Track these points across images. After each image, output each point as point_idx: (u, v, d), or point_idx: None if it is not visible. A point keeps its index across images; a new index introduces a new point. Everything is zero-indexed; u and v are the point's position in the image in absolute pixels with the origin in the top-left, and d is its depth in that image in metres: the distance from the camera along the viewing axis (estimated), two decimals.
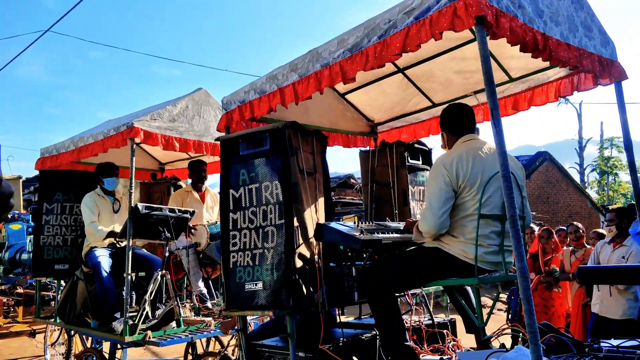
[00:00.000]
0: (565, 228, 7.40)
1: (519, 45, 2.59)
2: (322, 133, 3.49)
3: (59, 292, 5.59)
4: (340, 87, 4.49)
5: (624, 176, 32.82)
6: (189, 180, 5.99)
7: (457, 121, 3.13)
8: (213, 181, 7.13)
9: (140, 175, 6.55)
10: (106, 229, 4.96)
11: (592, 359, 2.36)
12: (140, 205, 4.44)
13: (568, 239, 6.81)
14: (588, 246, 6.37)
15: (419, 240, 3.06)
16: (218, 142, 3.44)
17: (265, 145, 3.14)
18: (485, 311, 3.00)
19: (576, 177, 26.96)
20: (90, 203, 5.08)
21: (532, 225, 7.43)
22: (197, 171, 5.60)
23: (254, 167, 3.15)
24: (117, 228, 4.99)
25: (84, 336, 5.86)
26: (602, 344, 2.54)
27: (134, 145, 4.56)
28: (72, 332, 5.95)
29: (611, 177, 33.01)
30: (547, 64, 3.39)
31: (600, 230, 6.79)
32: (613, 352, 2.40)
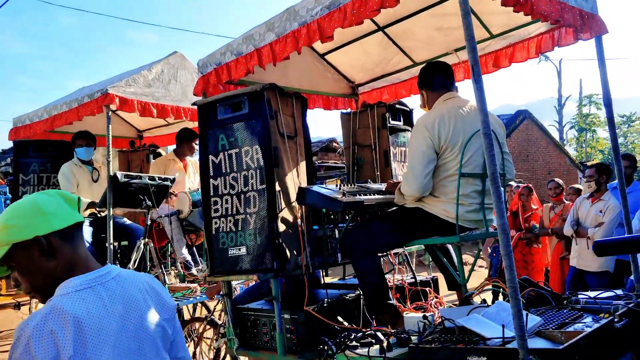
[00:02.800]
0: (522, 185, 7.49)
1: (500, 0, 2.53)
2: (302, 95, 3.42)
3: None
4: (320, 47, 4.40)
5: (602, 133, 33.36)
6: (169, 148, 5.87)
7: (435, 79, 3.10)
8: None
9: (118, 144, 6.41)
10: (86, 200, 4.87)
11: (570, 310, 2.43)
12: (119, 174, 4.37)
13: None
14: (567, 202, 6.49)
15: (400, 203, 3.07)
16: (196, 107, 3.36)
17: (244, 108, 3.07)
18: (466, 268, 3.05)
19: (555, 135, 27.29)
20: (67, 173, 4.96)
21: (511, 182, 7.52)
22: (191, 142, 5.35)
23: (233, 132, 3.09)
24: (97, 198, 4.91)
25: None
26: (579, 296, 2.62)
27: (110, 113, 4.45)
28: None
29: (589, 134, 33.49)
30: (528, 19, 3.34)
31: (577, 186, 6.91)
32: (591, 304, 2.47)
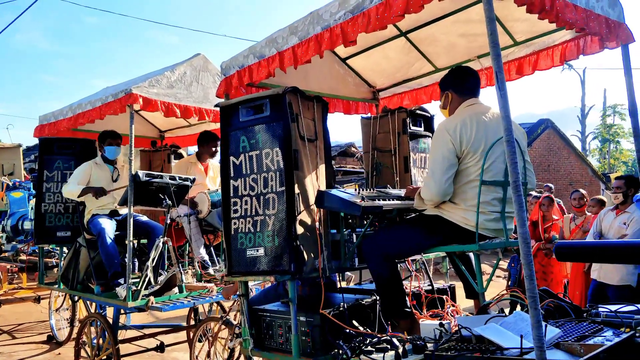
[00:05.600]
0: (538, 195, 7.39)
1: (525, 7, 2.52)
2: (323, 99, 3.43)
3: (62, 259, 5.64)
4: (342, 51, 4.41)
5: (626, 144, 32.75)
6: (189, 149, 5.93)
7: (466, 83, 3.07)
8: None
9: (140, 143, 6.51)
10: (80, 186, 4.90)
11: (590, 323, 2.39)
12: (140, 173, 4.43)
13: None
14: (588, 213, 6.38)
15: (420, 207, 3.06)
16: (218, 109, 3.39)
17: (266, 111, 3.09)
18: (485, 278, 3.02)
19: (578, 145, 26.87)
20: (80, 171, 5.03)
21: (532, 192, 7.43)
22: (209, 145, 5.46)
23: (254, 134, 3.11)
24: (116, 197, 4.98)
25: (87, 302, 5.94)
26: (600, 309, 2.57)
27: (133, 112, 4.51)
28: (76, 298, 6.03)
29: (613, 145, 32.90)
30: (552, 26, 3.31)
31: (600, 197, 6.80)
32: (611, 317, 2.43)
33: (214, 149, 5.50)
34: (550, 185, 6.88)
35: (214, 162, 5.71)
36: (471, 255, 3.34)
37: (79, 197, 4.92)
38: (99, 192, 4.84)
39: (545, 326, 2.02)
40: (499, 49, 2.19)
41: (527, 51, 3.83)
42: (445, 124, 2.93)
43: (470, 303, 3.38)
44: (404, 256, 3.23)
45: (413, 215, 3.22)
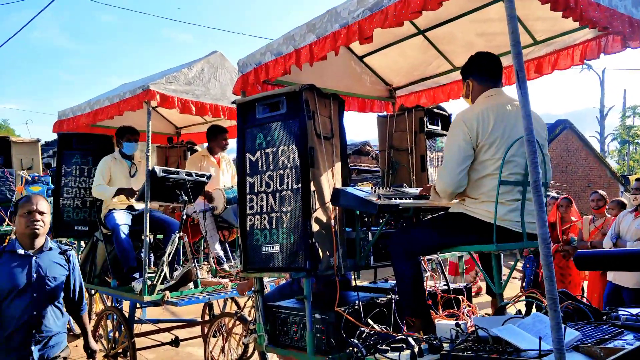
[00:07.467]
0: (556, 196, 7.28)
1: (549, 4, 2.49)
2: (340, 96, 3.42)
3: (79, 253, 5.71)
4: (359, 49, 4.39)
5: None
6: (205, 145, 5.97)
7: (485, 70, 2.98)
8: (231, 145, 7.09)
9: (156, 140, 6.55)
10: (113, 188, 4.95)
11: (609, 327, 2.35)
12: (157, 169, 4.46)
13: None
14: (608, 215, 6.28)
15: (436, 202, 3.03)
16: (234, 106, 3.40)
17: (282, 108, 3.09)
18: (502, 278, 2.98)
19: (596, 146, 26.46)
20: (103, 168, 5.08)
21: (550, 193, 7.33)
22: (218, 139, 5.54)
23: (270, 131, 3.12)
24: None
25: (104, 295, 6.01)
26: (620, 313, 2.52)
27: (150, 109, 4.55)
28: (93, 292, 6.10)
29: (632, 147, 32.36)
30: (574, 25, 3.26)
31: (620, 199, 6.68)
32: (632, 321, 2.38)
33: (223, 141, 5.55)
34: (569, 197, 6.75)
35: (227, 156, 5.75)
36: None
37: (112, 198, 4.99)
38: (131, 194, 4.90)
39: (565, 328, 1.99)
40: (520, 47, 2.15)
41: (547, 50, 3.78)
42: (462, 114, 2.87)
43: (487, 305, 3.35)
44: (429, 252, 3.19)
45: (441, 213, 3.19)
